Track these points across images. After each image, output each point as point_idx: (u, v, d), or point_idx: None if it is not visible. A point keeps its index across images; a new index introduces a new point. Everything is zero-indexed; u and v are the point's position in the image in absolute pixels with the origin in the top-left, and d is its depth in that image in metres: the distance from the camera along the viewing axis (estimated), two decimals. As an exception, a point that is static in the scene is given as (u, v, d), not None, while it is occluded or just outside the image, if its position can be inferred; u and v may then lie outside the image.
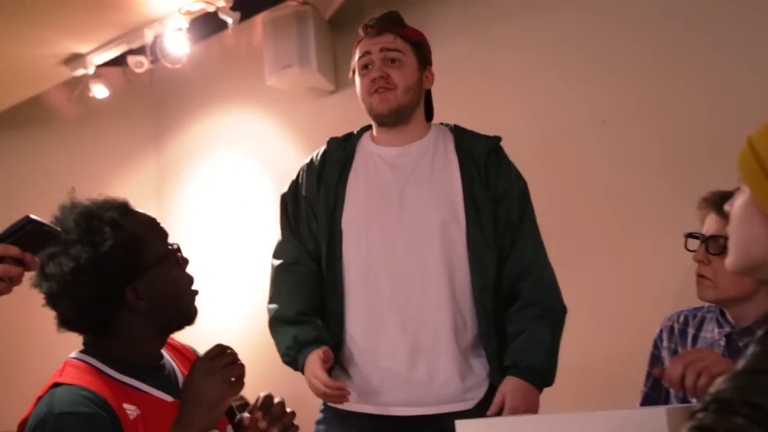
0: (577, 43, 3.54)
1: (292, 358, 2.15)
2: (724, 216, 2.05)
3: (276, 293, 2.26)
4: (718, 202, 2.11)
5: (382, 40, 2.24)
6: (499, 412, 2.09)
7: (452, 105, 3.77)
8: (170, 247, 1.77)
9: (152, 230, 1.76)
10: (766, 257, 1.23)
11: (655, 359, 2.19)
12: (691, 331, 2.15)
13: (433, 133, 2.30)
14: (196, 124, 4.89)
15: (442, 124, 2.37)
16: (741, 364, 1.06)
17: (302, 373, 2.14)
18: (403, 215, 2.18)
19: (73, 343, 1.82)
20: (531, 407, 2.11)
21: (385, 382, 2.14)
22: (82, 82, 4.57)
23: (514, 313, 2.19)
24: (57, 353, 1.80)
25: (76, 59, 4.40)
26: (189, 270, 1.81)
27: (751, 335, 2.03)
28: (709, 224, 2.12)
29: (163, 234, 1.78)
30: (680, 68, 3.27)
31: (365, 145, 2.30)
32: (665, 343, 2.17)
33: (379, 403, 2.15)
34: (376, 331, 2.16)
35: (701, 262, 2.09)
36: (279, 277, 2.27)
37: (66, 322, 1.71)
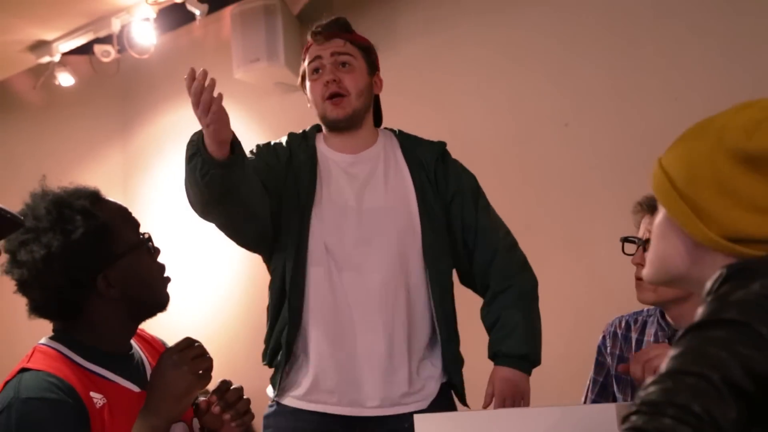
0: (541, 43, 3.58)
1: (194, 143, 2.08)
2: None
3: None
4: (653, 205, 2.16)
5: (332, 45, 2.23)
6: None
7: (417, 102, 3.81)
8: (142, 236, 1.77)
9: (123, 219, 1.76)
10: (681, 270, 1.29)
11: (600, 365, 2.21)
12: (634, 335, 2.18)
13: (381, 140, 2.31)
14: (163, 115, 4.86)
15: (385, 128, 2.37)
16: (665, 365, 1.10)
17: (207, 156, 2.04)
18: (361, 223, 2.19)
19: (36, 331, 1.82)
20: (520, 391, 2.15)
21: (339, 382, 2.15)
22: (47, 70, 4.52)
23: (487, 304, 2.24)
24: (20, 341, 1.80)
25: (41, 46, 4.36)
26: (160, 259, 1.81)
27: None
28: (645, 227, 2.15)
29: (135, 223, 1.79)
30: (638, 72, 3.32)
31: (321, 147, 2.29)
32: (609, 349, 2.19)
33: (329, 402, 2.16)
34: (334, 335, 2.16)
35: (639, 265, 2.10)
36: None
37: (37, 309, 1.72)
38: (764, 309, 1.10)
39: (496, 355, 2.19)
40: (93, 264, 1.68)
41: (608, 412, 1.56)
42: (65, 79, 4.56)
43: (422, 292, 2.21)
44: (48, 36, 4.31)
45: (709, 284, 1.19)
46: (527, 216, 3.41)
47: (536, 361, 2.21)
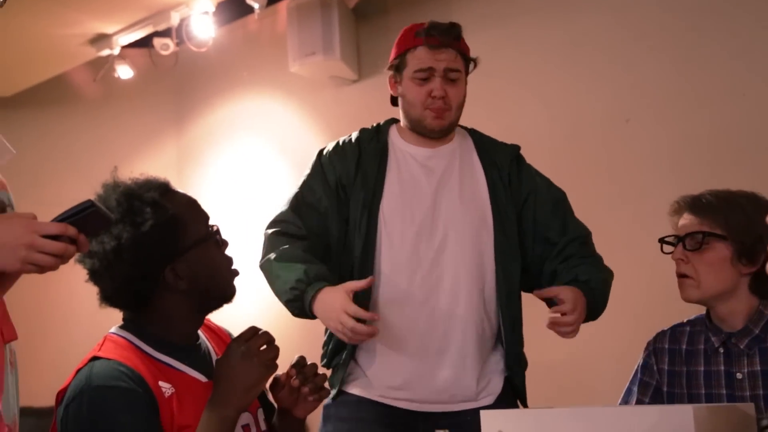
0: (600, 37, 3.53)
1: (301, 292, 2.04)
2: (698, 214, 2.06)
3: (278, 244, 2.19)
4: (689, 202, 2.11)
5: (446, 57, 2.20)
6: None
7: (475, 100, 3.75)
8: (210, 228, 1.77)
9: (192, 211, 1.78)
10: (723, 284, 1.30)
11: (644, 385, 2.13)
12: (683, 347, 2.10)
13: (457, 137, 2.32)
14: (218, 107, 4.89)
15: (459, 126, 2.36)
16: None
17: (308, 313, 2.05)
18: (437, 217, 2.19)
19: (95, 321, 1.83)
20: (580, 309, 2.09)
21: (408, 376, 2.14)
22: (107, 63, 4.58)
23: (571, 261, 2.22)
24: (82, 335, 1.81)
25: (101, 39, 4.42)
26: (228, 252, 1.82)
27: (749, 335, 2.00)
28: (684, 223, 2.10)
29: (204, 216, 1.80)
30: (704, 67, 3.26)
31: (395, 140, 2.29)
32: (657, 365, 2.11)
33: (399, 398, 2.15)
34: (404, 327, 2.15)
35: (680, 261, 2.06)
36: (283, 237, 2.21)
37: (107, 299, 1.74)
38: None
39: (575, 279, 2.15)
40: (162, 256, 1.70)
41: (684, 415, 1.53)
42: (124, 71, 4.61)
43: (492, 292, 2.20)
44: (108, 29, 4.36)
45: None
46: (586, 215, 3.35)
47: (599, 313, 2.20)
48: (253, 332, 1.72)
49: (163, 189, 1.76)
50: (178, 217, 1.72)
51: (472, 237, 2.19)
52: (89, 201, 1.51)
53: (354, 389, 2.18)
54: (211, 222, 1.80)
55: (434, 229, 2.18)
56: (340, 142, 2.30)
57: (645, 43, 3.41)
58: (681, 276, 2.07)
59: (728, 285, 2.01)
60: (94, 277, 1.72)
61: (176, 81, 4.93)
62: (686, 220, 2.10)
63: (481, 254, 2.19)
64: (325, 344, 2.24)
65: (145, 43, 4.50)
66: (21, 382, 1.94)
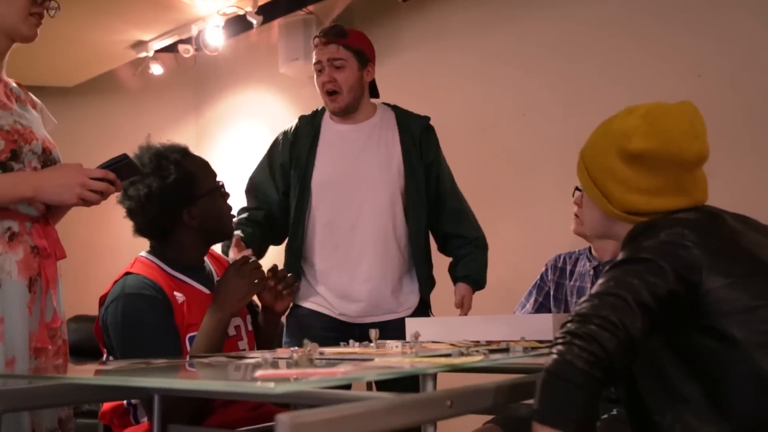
0: (505, 52, 3.54)
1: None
2: None
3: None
4: None
5: (329, 51, 2.15)
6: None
7: (413, 97, 3.76)
8: (217, 183, 1.77)
9: (205, 169, 1.79)
10: (603, 230, 1.37)
11: (540, 288, 2.22)
12: (568, 267, 2.20)
13: (379, 113, 2.26)
14: (226, 99, 4.83)
15: (384, 104, 2.32)
16: (593, 289, 1.14)
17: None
18: (359, 177, 2.17)
19: (131, 249, 1.82)
20: (468, 303, 2.20)
21: (341, 299, 2.15)
22: (143, 62, 4.49)
23: (461, 245, 2.24)
24: (121, 257, 1.80)
25: (139, 45, 4.32)
26: (230, 201, 1.83)
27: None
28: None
29: (213, 173, 1.81)
30: (580, 75, 3.27)
31: (327, 122, 2.24)
32: (550, 277, 2.21)
33: (336, 312, 2.17)
34: (336, 262, 2.16)
35: (577, 204, 2.14)
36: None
37: (139, 230, 1.76)
38: (665, 251, 1.14)
39: (467, 276, 2.20)
40: (181, 201, 1.71)
41: (546, 320, 1.57)
42: (156, 69, 4.52)
43: (403, 231, 2.19)
44: (145, 37, 4.27)
45: (625, 237, 1.23)
46: (490, 183, 3.38)
47: (483, 287, 2.26)
48: (245, 259, 1.74)
49: (183, 152, 1.76)
50: (194, 173, 1.73)
51: (386, 189, 2.17)
52: (124, 154, 1.58)
53: (305, 303, 2.19)
54: (218, 179, 1.80)
55: (356, 186, 2.16)
56: (284, 132, 2.27)
57: (538, 57, 3.42)
58: (575, 215, 2.16)
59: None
60: (131, 214, 1.73)
61: (195, 78, 4.85)
62: None
63: (393, 203, 2.17)
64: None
65: (172, 48, 4.41)
66: (78, 295, 1.93)
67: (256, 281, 1.71)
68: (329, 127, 2.23)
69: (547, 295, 2.20)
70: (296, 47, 4.05)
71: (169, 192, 1.67)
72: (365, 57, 2.21)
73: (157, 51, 4.40)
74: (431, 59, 3.78)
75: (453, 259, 2.27)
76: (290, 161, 2.20)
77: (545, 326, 1.57)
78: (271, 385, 0.83)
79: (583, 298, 1.13)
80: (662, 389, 1.12)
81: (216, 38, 4.24)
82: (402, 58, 3.81)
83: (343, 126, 2.22)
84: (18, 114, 1.58)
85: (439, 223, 2.26)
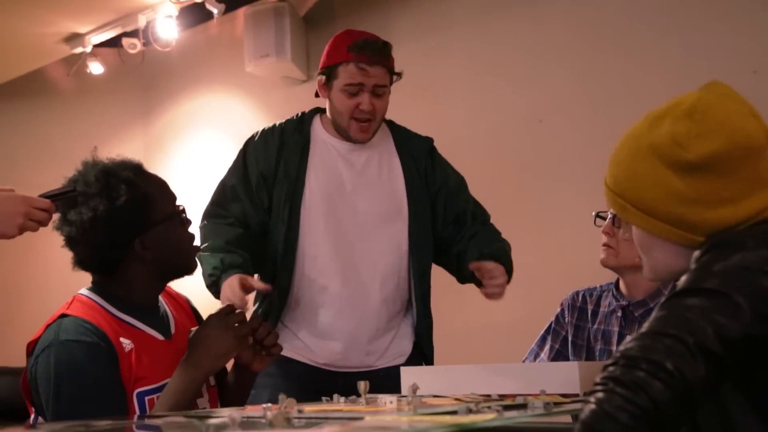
0: (518, 48, 3.58)
1: (216, 278, 2.04)
2: None
3: (209, 235, 2.17)
4: None
5: (376, 74, 2.11)
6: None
7: (407, 96, 3.79)
8: (176, 207, 1.78)
9: (162, 191, 1.78)
10: (684, 267, 1.24)
11: (556, 333, 2.23)
12: (589, 307, 2.21)
13: (377, 133, 2.24)
14: (181, 103, 4.85)
15: None
16: (646, 326, 1.10)
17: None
18: (357, 208, 2.17)
19: (67, 287, 1.82)
20: (503, 272, 2.08)
21: (329, 345, 2.16)
22: (80, 59, 4.52)
23: (483, 242, 2.18)
24: (52, 296, 1.80)
25: (75, 38, 4.35)
26: (191, 230, 1.83)
27: (644, 306, 2.11)
28: None
29: (172, 196, 1.80)
30: (604, 75, 3.31)
31: (318, 131, 2.22)
32: (567, 318, 2.21)
33: (319, 361, 2.17)
34: (325, 305, 2.16)
35: (607, 234, 2.16)
36: (212, 226, 2.19)
37: (80, 263, 1.75)
38: (742, 280, 1.08)
39: (491, 254, 2.12)
40: (132, 228, 1.70)
41: (571, 369, 1.58)
42: (95, 68, 4.55)
43: (405, 273, 2.21)
44: (81, 29, 4.30)
45: (696, 254, 1.19)
46: (501, 203, 3.40)
47: (510, 276, 2.17)
48: (230, 309, 1.74)
49: (137, 169, 1.76)
50: (149, 195, 1.72)
51: (388, 226, 2.18)
52: (73, 187, 1.65)
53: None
54: (178, 203, 1.81)
55: (354, 220, 2.16)
56: (265, 133, 2.23)
57: (556, 53, 3.46)
58: (605, 246, 2.15)
59: (640, 261, 2.09)
60: (71, 243, 1.72)
61: (143, 78, 4.87)
62: None
63: (397, 243, 2.19)
64: (256, 309, 2.24)
65: (114, 42, 4.45)
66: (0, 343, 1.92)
67: (240, 337, 1.72)
68: (321, 140, 2.21)
69: (565, 340, 2.20)
70: (266, 41, 4.09)
71: (119, 217, 1.67)
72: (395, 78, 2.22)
73: (96, 46, 4.43)
74: (429, 55, 3.82)
75: (454, 253, 2.22)
76: (275, 173, 2.16)
77: (570, 376, 1.57)
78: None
79: (629, 337, 1.09)
80: None
81: (168, 30, 4.27)
82: (393, 54, 3.85)
83: (338, 142, 2.21)
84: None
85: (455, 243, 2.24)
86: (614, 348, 2.11)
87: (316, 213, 2.15)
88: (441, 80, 3.78)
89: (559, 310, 2.25)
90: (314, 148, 2.19)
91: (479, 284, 2.10)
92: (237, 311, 1.72)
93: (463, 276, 2.22)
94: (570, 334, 2.19)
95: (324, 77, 2.17)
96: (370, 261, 2.16)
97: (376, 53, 2.12)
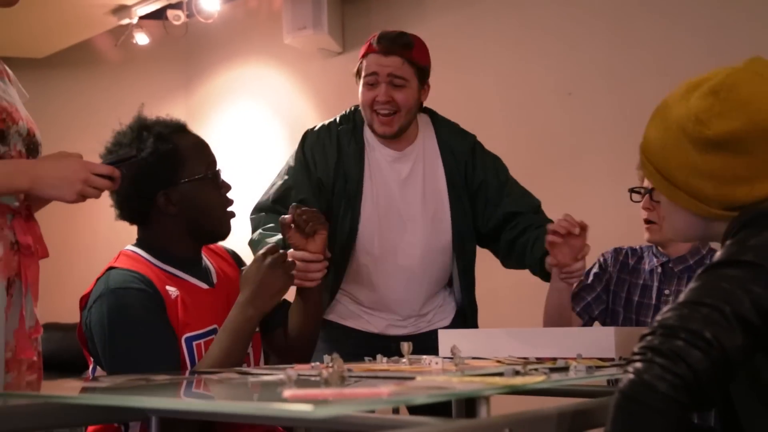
0: (550, 20, 3.52)
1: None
2: None
3: (266, 221, 2.12)
4: None
5: (391, 64, 2.05)
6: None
7: (441, 69, 3.75)
8: (212, 170, 1.75)
9: (197, 152, 1.76)
10: (698, 234, 1.30)
11: (597, 278, 2.21)
12: (631, 262, 2.21)
13: (421, 133, 2.20)
14: (222, 73, 4.84)
15: (423, 112, 2.24)
16: (683, 296, 1.09)
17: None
18: (404, 215, 2.15)
19: (114, 247, 1.83)
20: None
21: (378, 319, 2.19)
22: (126, 30, 4.50)
23: (526, 223, 2.14)
24: (99, 256, 1.81)
25: (122, 10, 4.34)
26: (231, 195, 1.80)
27: (684, 262, 2.14)
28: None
29: (208, 158, 1.78)
30: (634, 47, 3.26)
31: (369, 139, 2.17)
32: (611, 266, 2.21)
33: (371, 330, 2.20)
34: (375, 303, 2.19)
35: (648, 209, 2.14)
36: (270, 218, 2.13)
37: (118, 212, 1.75)
38: None
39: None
40: (156, 181, 1.69)
41: (608, 335, 1.56)
42: (141, 38, 4.54)
43: (451, 269, 2.22)
44: (128, 1, 4.28)
45: (726, 231, 1.18)
46: (529, 173, 3.36)
47: None
48: (275, 248, 1.73)
49: (175, 127, 1.75)
50: (179, 152, 1.71)
51: (433, 228, 2.17)
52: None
53: (338, 319, 2.21)
54: (217, 167, 1.78)
55: (402, 226, 2.16)
56: (321, 137, 2.16)
57: (585, 26, 3.40)
58: (647, 222, 2.14)
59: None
60: (111, 193, 1.72)
61: (186, 48, 4.87)
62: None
63: (439, 240, 2.17)
64: None
65: (159, 14, 4.44)
66: (49, 300, 1.94)
67: (290, 273, 1.71)
68: (373, 148, 2.16)
69: (606, 288, 2.19)
70: (304, 14, 4.05)
71: (143, 168, 1.66)
72: (427, 73, 2.14)
73: (142, 17, 4.41)
74: (460, 28, 3.77)
75: (506, 242, 2.16)
76: (333, 182, 2.12)
77: (607, 342, 1.56)
78: (308, 408, 0.82)
79: (667, 307, 1.08)
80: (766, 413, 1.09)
81: (211, 3, 4.25)
82: (426, 27, 3.79)
83: (387, 150, 2.17)
84: (1, 89, 1.58)
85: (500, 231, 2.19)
86: (653, 302, 2.13)
87: (370, 222, 2.14)
88: (472, 53, 3.74)
89: (600, 258, 2.23)
90: (367, 158, 2.15)
91: (543, 276, 2.06)
92: (281, 251, 1.71)
93: (514, 264, 2.19)
94: (613, 283, 2.19)
95: (356, 71, 2.13)
96: (420, 263, 2.16)
97: (390, 42, 2.06)
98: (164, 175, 1.69)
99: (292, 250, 1.83)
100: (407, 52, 2.07)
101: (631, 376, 1.02)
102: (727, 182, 1.21)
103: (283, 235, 1.89)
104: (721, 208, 1.22)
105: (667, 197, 1.29)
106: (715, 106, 1.19)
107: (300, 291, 1.87)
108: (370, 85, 2.07)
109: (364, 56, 2.10)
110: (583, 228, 1.91)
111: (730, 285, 1.06)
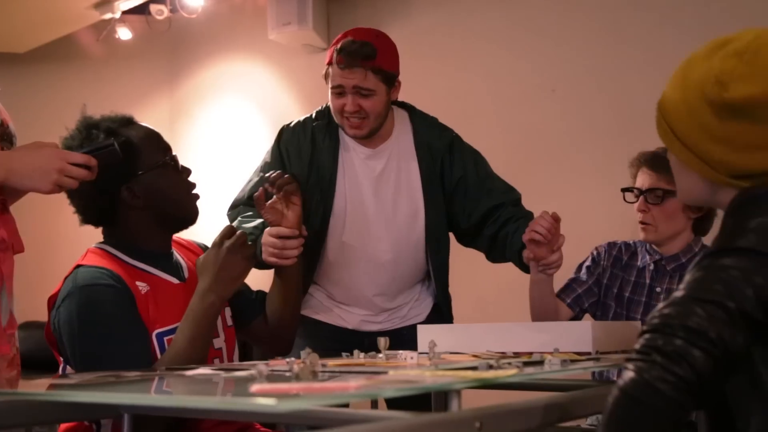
0: (534, 18, 3.52)
1: (255, 237, 1.96)
2: (656, 171, 2.10)
3: (243, 213, 2.13)
4: (648, 159, 2.15)
5: (354, 77, 2.02)
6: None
7: (426, 65, 3.75)
8: (168, 157, 1.75)
9: (150, 141, 1.74)
10: (705, 198, 1.25)
11: (590, 272, 2.21)
12: (624, 257, 2.22)
13: (396, 128, 2.18)
14: (206, 69, 4.82)
15: (399, 107, 2.22)
16: (684, 289, 1.06)
17: (258, 257, 1.92)
18: (377, 211, 2.15)
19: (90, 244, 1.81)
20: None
21: (353, 314, 2.20)
22: (109, 25, 4.47)
23: (506, 216, 2.14)
24: (81, 254, 1.78)
25: (104, 4, 4.31)
26: (192, 179, 1.80)
27: (676, 261, 2.14)
28: (643, 179, 2.16)
29: (162, 145, 1.77)
30: (619, 43, 3.26)
31: (342, 134, 2.15)
32: (604, 261, 2.21)
33: (347, 325, 2.20)
34: (346, 300, 2.19)
35: (643, 211, 2.14)
36: (246, 210, 2.14)
37: (83, 216, 1.74)
38: None
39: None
40: (115, 176, 1.66)
41: (584, 329, 1.56)
42: (124, 33, 4.51)
43: (424, 266, 2.21)
44: (110, -5, 4.25)
45: (726, 211, 1.15)
46: (514, 170, 3.35)
47: None
48: (231, 230, 1.71)
49: (122, 121, 1.73)
50: (134, 144, 1.69)
51: (406, 225, 2.16)
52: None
53: (312, 314, 2.20)
54: (173, 153, 1.77)
55: (373, 222, 2.15)
56: (297, 133, 2.17)
57: (572, 22, 3.40)
58: (642, 223, 2.14)
59: (679, 229, 2.13)
60: (69, 198, 1.71)
61: (169, 44, 4.84)
62: (646, 174, 2.14)
63: (411, 239, 2.17)
64: None
65: (142, 9, 4.40)
66: (27, 297, 1.92)
67: (249, 257, 1.69)
68: (347, 145, 2.16)
69: (598, 281, 2.19)
70: (289, 9, 4.03)
71: (117, 157, 1.62)
72: (394, 76, 2.11)
73: (124, 12, 4.38)
74: (446, 24, 3.76)
75: (487, 236, 2.15)
76: (307, 177, 2.11)
77: (584, 336, 1.56)
78: (272, 402, 0.82)
79: (665, 301, 1.05)
80: (763, 410, 1.06)
81: (194, -2, 4.22)
82: (412, 23, 3.80)
83: (360, 148, 2.16)
84: (-30, 80, 1.57)
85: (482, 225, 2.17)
86: (643, 299, 2.14)
87: (341, 218, 2.14)
88: (458, 49, 3.73)
89: (593, 252, 2.23)
90: (342, 155, 2.15)
91: (522, 267, 2.06)
92: (239, 232, 1.70)
93: (497, 257, 2.18)
94: (604, 277, 2.19)
95: (324, 74, 2.11)
96: (393, 261, 2.16)
97: (351, 56, 2.01)
98: (123, 169, 1.66)
99: (268, 228, 1.82)
100: (369, 62, 2.03)
101: (632, 374, 1.00)
102: (738, 149, 1.16)
103: (258, 211, 1.89)
104: (728, 175, 1.17)
105: (677, 157, 1.24)
106: (737, 68, 1.14)
107: (278, 272, 1.86)
108: (338, 95, 2.06)
109: (329, 63, 2.07)
110: (556, 219, 1.90)
111: (731, 277, 1.02)
